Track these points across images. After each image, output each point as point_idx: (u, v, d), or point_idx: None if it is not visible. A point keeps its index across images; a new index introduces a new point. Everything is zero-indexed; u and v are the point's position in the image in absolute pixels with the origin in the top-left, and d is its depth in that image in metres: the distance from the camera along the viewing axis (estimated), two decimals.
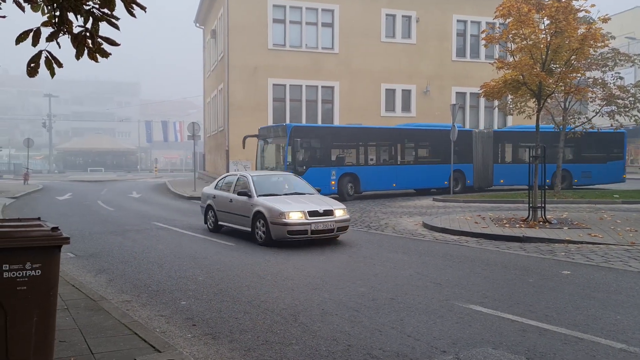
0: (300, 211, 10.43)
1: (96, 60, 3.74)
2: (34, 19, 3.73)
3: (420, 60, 30.08)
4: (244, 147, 22.31)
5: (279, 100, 28.00)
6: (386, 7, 29.44)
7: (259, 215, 10.81)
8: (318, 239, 10.76)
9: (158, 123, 67.90)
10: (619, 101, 21.08)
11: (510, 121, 30.57)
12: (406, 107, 30.19)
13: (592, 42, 13.23)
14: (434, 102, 30.05)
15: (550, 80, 13.42)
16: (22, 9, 3.95)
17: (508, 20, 13.52)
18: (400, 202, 20.69)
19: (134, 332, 5.15)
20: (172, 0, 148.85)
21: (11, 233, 3.70)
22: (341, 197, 19.87)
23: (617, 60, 21.71)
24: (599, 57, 21.23)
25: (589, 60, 19.00)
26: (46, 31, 3.63)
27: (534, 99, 14.52)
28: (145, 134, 70.01)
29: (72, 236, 4.70)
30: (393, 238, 12.00)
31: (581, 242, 10.63)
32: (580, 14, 13.98)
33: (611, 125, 22.14)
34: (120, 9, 3.66)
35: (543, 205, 13.07)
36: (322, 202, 11.13)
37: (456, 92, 30.94)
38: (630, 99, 21.02)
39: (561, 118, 21.81)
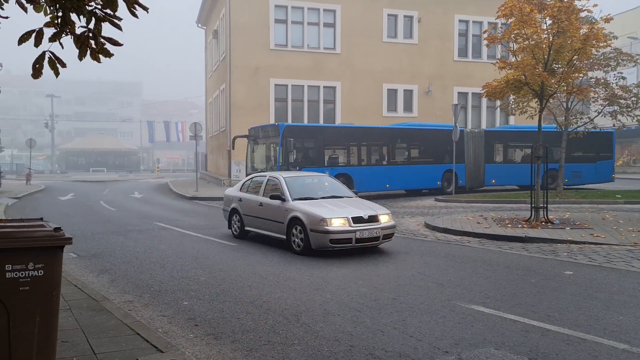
0: (343, 217, 9.44)
1: (99, 61, 3.75)
2: (37, 19, 3.73)
3: (422, 60, 30.06)
4: (233, 148, 22.19)
5: (280, 101, 28.01)
6: (388, 7, 29.43)
7: (295, 221, 9.81)
8: (362, 247, 9.79)
9: (160, 123, 67.98)
10: (621, 101, 21.04)
11: (513, 121, 30.54)
12: (408, 107, 30.17)
13: (594, 42, 13.21)
14: (435, 102, 30.03)
15: (553, 81, 13.41)
16: (25, 9, 3.96)
17: (510, 20, 13.50)
18: (402, 202, 20.68)
19: (136, 333, 5.15)
20: (173, 0, 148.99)
21: (14, 233, 3.71)
22: None
23: (620, 60, 21.67)
24: (601, 57, 21.19)
25: (591, 60, 18.95)
26: (49, 32, 3.64)
27: (536, 99, 14.52)
28: (147, 134, 70.10)
29: (75, 236, 4.71)
30: (395, 238, 11.95)
31: (583, 243, 10.61)
32: (583, 14, 13.96)
33: (613, 125, 22.10)
34: (122, 10, 3.66)
35: (545, 205, 13.06)
36: (365, 207, 10.13)
37: (458, 92, 30.92)
38: (633, 99, 20.98)
39: (563, 118, 21.78)
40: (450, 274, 8.07)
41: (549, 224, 12.62)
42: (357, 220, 9.51)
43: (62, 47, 3.75)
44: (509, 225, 12.63)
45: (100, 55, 3.76)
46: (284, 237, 10.20)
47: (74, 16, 3.62)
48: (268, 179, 11.37)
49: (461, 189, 23.42)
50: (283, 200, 10.34)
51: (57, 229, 3.86)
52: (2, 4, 4.28)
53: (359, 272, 8.26)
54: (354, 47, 28.72)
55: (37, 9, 4.02)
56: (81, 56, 3.68)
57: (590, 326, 5.50)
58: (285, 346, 4.98)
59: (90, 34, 3.64)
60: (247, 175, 20.90)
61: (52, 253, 3.78)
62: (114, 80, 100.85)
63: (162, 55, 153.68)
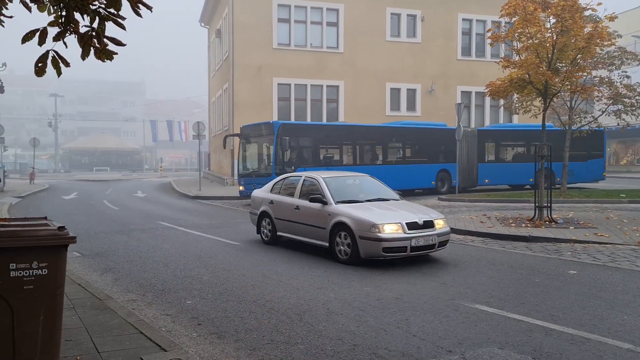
0: (397, 223, 8.53)
1: (102, 60, 3.75)
2: (41, 19, 3.74)
3: (425, 60, 30.03)
4: (224, 147, 21.85)
5: (283, 100, 28.01)
6: (391, 6, 29.40)
7: (340, 227, 8.91)
8: (417, 256, 8.97)
9: (163, 122, 68.08)
10: (625, 100, 20.97)
11: (516, 120, 30.48)
12: (411, 106, 30.14)
13: (598, 40, 13.19)
14: (439, 102, 29.99)
15: (557, 79, 13.38)
16: (29, 9, 3.96)
17: (514, 19, 13.48)
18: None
19: (139, 331, 5.16)
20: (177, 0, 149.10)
21: (18, 232, 3.71)
22: None
23: (624, 59, 21.62)
24: (606, 56, 21.14)
25: (595, 59, 18.90)
26: (52, 31, 3.65)
27: (540, 98, 14.48)
28: (150, 134, 70.20)
29: (78, 235, 4.72)
30: None
31: (587, 242, 10.58)
32: (587, 13, 13.93)
33: (617, 125, 22.03)
34: (126, 9, 3.67)
35: (549, 204, 13.03)
36: (417, 211, 9.30)
37: (461, 91, 30.88)
38: (637, 97, 20.91)
39: (567, 117, 21.73)
40: (453, 273, 8.06)
41: (552, 223, 12.59)
42: (412, 226, 8.61)
43: (66, 46, 3.75)
44: (513, 225, 12.61)
45: (104, 55, 3.76)
46: (326, 244, 9.23)
47: (77, 15, 3.62)
48: (304, 180, 10.40)
49: (454, 189, 23.08)
50: (324, 203, 9.38)
51: (61, 228, 3.86)
52: (6, 3, 4.29)
53: (362, 271, 8.26)
54: (357, 46, 28.70)
55: (41, 8, 4.02)
56: (85, 55, 3.68)
57: (595, 326, 5.49)
58: (289, 345, 4.98)
59: (94, 34, 3.64)
60: (238, 175, 20.74)
61: (56, 252, 3.79)
62: (117, 79, 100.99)
63: (165, 55, 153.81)
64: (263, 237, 11.14)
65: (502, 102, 26.23)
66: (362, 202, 9.59)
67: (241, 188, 20.04)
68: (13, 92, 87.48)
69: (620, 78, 21.32)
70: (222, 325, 5.62)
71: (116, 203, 21.50)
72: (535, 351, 4.79)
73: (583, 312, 5.96)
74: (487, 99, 29.85)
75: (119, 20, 3.66)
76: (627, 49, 22.23)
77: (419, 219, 8.77)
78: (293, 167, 18.78)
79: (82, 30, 3.65)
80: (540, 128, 25.33)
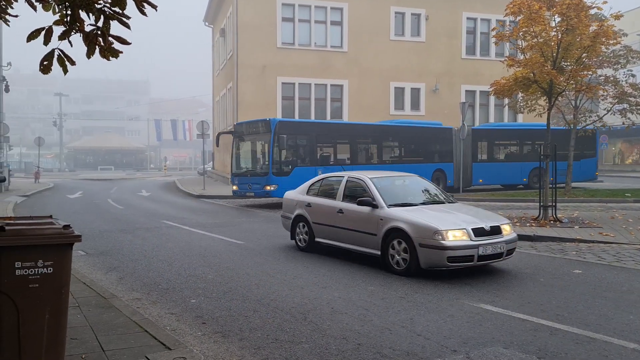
0: (462, 229, 7.64)
1: (107, 59, 3.76)
2: (45, 18, 3.75)
3: (429, 58, 29.96)
4: (217, 145, 21.43)
5: (287, 99, 28.01)
6: (395, 5, 29.34)
7: (395, 233, 8.00)
8: (483, 266, 8.16)
9: (167, 122, 68.18)
10: (630, 99, 20.89)
11: (521, 119, 30.40)
12: (415, 105, 30.09)
13: (603, 39, 13.12)
14: (443, 100, 29.92)
15: (561, 78, 13.33)
16: (34, 8, 3.97)
17: (518, 18, 13.43)
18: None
19: (144, 330, 5.17)
20: None
21: (23, 231, 3.72)
22: None
23: (629, 58, 21.53)
24: (611, 55, 21.07)
25: (600, 58, 18.84)
26: (58, 30, 3.66)
27: (544, 97, 14.43)
28: (154, 133, 70.33)
29: (83, 234, 4.73)
30: None
31: (592, 241, 10.55)
32: (592, 11, 13.87)
33: (623, 124, 21.95)
34: (131, 8, 3.67)
35: (554, 204, 12.99)
36: (480, 215, 8.51)
37: (466, 90, 30.79)
38: None
39: (572, 116, 21.65)
40: (458, 272, 8.04)
41: (557, 222, 12.55)
42: (479, 232, 7.72)
43: (71, 45, 3.76)
44: (518, 224, 12.57)
45: (109, 54, 3.77)
46: (377, 252, 8.31)
47: (83, 14, 3.63)
48: (347, 180, 9.48)
49: (449, 189, 22.50)
50: (374, 206, 8.47)
51: (66, 227, 3.87)
52: (12, 2, 4.30)
53: (366, 270, 8.25)
54: (361, 45, 28.66)
55: (46, 7, 4.03)
56: (90, 54, 3.69)
57: (600, 325, 5.47)
58: (293, 344, 4.98)
59: (99, 32, 3.64)
60: (231, 174, 20.14)
61: (61, 250, 3.80)
62: (121, 78, 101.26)
63: (169, 54, 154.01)
64: (298, 243, 10.16)
65: (506, 101, 26.15)
66: (416, 205, 8.70)
67: (235, 188, 19.64)
68: (18, 91, 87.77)
69: (625, 77, 21.25)
70: (226, 324, 5.63)
71: (121, 202, 21.55)
72: (540, 351, 4.77)
73: (588, 312, 5.94)
74: (492, 98, 29.73)
75: (124, 19, 3.67)
76: (632, 48, 22.14)
77: (485, 224, 7.91)
78: (290, 167, 18.51)
79: (88, 29, 3.66)
80: (535, 127, 25.27)
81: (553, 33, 13.24)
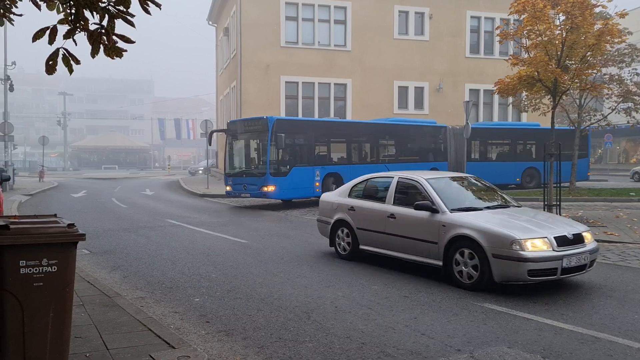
0: (543, 238, 6.73)
1: (112, 58, 3.76)
2: (50, 17, 3.75)
3: (433, 57, 29.92)
4: (210, 144, 20.77)
5: (291, 98, 28.02)
6: (399, 4, 29.31)
7: (462, 242, 7.08)
8: (564, 279, 7.26)
9: (171, 121, 68.32)
10: (635, 98, 20.82)
11: (525, 118, 30.33)
12: (419, 104, 30.06)
13: (608, 37, 13.10)
14: (447, 99, 29.89)
15: (566, 77, 13.30)
16: (38, 7, 3.98)
17: (523, 16, 13.41)
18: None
19: (148, 329, 5.18)
20: None
21: (28, 229, 3.73)
22: None
23: (634, 56, 21.44)
24: (616, 53, 20.98)
25: (605, 57, 18.77)
26: (62, 29, 3.66)
27: (549, 96, 14.40)
28: (158, 132, 70.45)
29: (87, 233, 4.73)
30: None
31: (597, 241, 10.47)
32: (597, 10, 13.83)
33: (627, 122, 21.87)
34: (135, 7, 3.67)
35: (558, 203, 12.94)
36: (556, 221, 7.66)
37: (470, 89, 30.75)
38: None
39: (576, 115, 21.59)
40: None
41: None
42: (562, 241, 6.79)
43: (76, 44, 3.76)
44: None
45: (113, 53, 3.77)
46: (439, 263, 7.40)
47: (87, 13, 3.63)
48: (398, 182, 8.54)
49: None
50: (434, 211, 7.57)
51: (71, 225, 3.88)
52: (16, 2, 4.31)
53: (369, 269, 8.25)
54: (365, 44, 28.64)
55: (51, 6, 4.03)
56: (94, 53, 3.69)
57: (605, 325, 5.45)
58: (297, 343, 4.98)
59: (103, 31, 3.65)
60: (225, 175, 19.40)
61: (65, 249, 3.80)
62: (125, 78, 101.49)
63: (173, 53, 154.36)
64: (339, 250, 9.25)
65: (510, 100, 26.09)
66: (480, 209, 7.84)
67: (228, 188, 19.03)
68: (23, 90, 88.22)
69: (630, 75, 21.16)
70: (230, 322, 5.63)
71: (124, 201, 21.59)
72: (545, 350, 4.76)
73: (593, 312, 5.92)
74: (496, 97, 29.69)
75: (128, 17, 3.67)
76: (637, 46, 22.04)
77: (568, 232, 6.98)
78: (288, 167, 17.94)
79: (92, 27, 3.66)
80: (530, 126, 25.09)
81: (557, 31, 13.21)
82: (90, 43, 3.64)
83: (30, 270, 3.67)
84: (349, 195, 9.41)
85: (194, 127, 65.05)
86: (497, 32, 15.24)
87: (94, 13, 3.62)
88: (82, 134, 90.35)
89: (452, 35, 30.26)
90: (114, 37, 3.66)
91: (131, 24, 3.70)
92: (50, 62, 3.66)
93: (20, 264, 3.65)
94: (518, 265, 6.54)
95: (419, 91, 30.15)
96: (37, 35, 3.61)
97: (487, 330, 5.32)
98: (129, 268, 8.58)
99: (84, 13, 3.59)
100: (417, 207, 7.77)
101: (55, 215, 4.42)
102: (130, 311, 5.78)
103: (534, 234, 6.79)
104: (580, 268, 6.88)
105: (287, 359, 4.62)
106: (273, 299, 6.51)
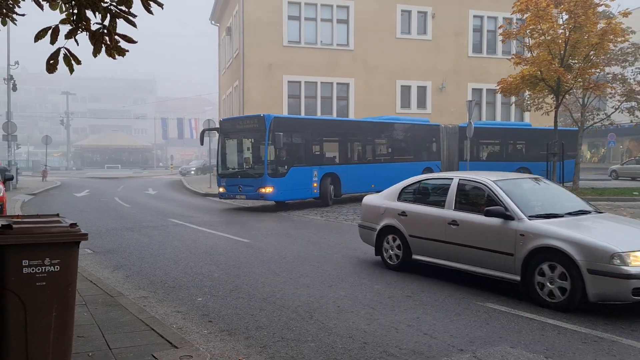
0: None
1: (114, 57, 3.76)
2: (52, 16, 3.75)
3: (436, 57, 29.88)
4: (202, 144, 19.93)
5: (294, 97, 28.02)
6: (401, 3, 29.27)
7: (546, 254, 6.19)
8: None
9: (174, 120, 68.42)
10: (639, 97, 20.76)
11: (528, 118, 30.27)
12: (422, 103, 30.03)
13: (611, 36, 13.09)
14: (449, 99, 29.84)
15: (569, 76, 13.29)
16: (41, 7, 3.98)
17: (526, 16, 13.39)
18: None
19: (151, 328, 5.18)
20: None
21: (31, 229, 3.74)
22: (324, 202, 17.99)
23: (638, 55, 21.39)
24: (619, 52, 20.93)
25: (608, 56, 18.73)
26: (64, 29, 3.66)
27: (552, 95, 14.38)
28: (161, 131, 70.55)
29: (90, 232, 4.74)
30: None
31: None
32: (600, 9, 13.81)
33: (631, 122, 21.82)
34: (137, 6, 3.67)
35: None
36: None
37: (472, 89, 30.69)
38: None
39: (579, 114, 21.55)
40: (461, 271, 8.00)
41: None
42: None
43: (78, 44, 3.76)
44: None
45: (115, 52, 3.77)
46: (516, 277, 6.48)
47: (89, 13, 3.64)
48: (460, 183, 7.64)
49: None
50: (509, 218, 6.66)
51: (73, 225, 3.88)
52: (19, 2, 4.32)
53: (372, 269, 8.24)
54: (368, 43, 28.62)
55: (53, 6, 4.04)
56: (96, 53, 3.70)
57: (607, 325, 5.44)
58: (299, 343, 4.98)
59: (105, 31, 3.65)
60: (218, 175, 18.52)
61: (68, 248, 3.81)
62: (128, 77, 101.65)
63: (175, 52, 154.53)
64: (387, 260, 8.32)
65: (513, 99, 26.04)
66: (562, 216, 6.90)
67: (221, 190, 18.17)
68: (26, 89, 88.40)
69: (633, 75, 21.10)
70: (232, 322, 5.63)
71: (127, 200, 21.63)
72: (548, 350, 4.75)
73: (595, 311, 5.89)
74: (499, 96, 29.62)
75: (130, 17, 3.67)
76: None
77: None
78: (286, 167, 17.22)
79: (94, 27, 3.67)
80: (524, 126, 24.91)
81: (561, 31, 13.20)
82: (92, 43, 3.64)
83: (32, 269, 3.68)
84: (399, 199, 8.45)
85: (197, 127, 65.09)
86: (500, 31, 15.21)
87: (96, 13, 3.62)
88: (85, 134, 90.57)
89: (455, 35, 30.21)
90: (116, 37, 3.66)
91: (133, 24, 3.70)
92: (51, 62, 3.66)
93: (23, 264, 3.65)
94: (620, 282, 5.62)
95: (422, 90, 30.11)
96: (40, 35, 3.61)
97: (489, 330, 5.31)
98: (131, 267, 8.59)
99: (86, 13, 3.59)
100: (489, 214, 6.83)
101: (57, 215, 4.43)
102: (133, 310, 5.79)
103: (637, 246, 5.87)
104: None
105: (289, 358, 4.62)
106: (275, 299, 6.51)
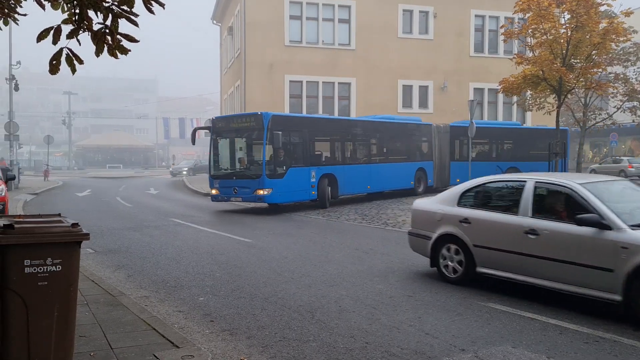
0: None
1: (116, 57, 3.76)
2: (54, 16, 3.76)
3: (437, 56, 29.85)
4: (193, 143, 18.93)
5: (295, 97, 28.02)
6: (403, 3, 29.26)
7: None
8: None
9: (175, 120, 68.45)
10: None
11: (530, 117, 30.23)
12: (423, 103, 30.01)
13: (613, 36, 13.07)
14: (451, 98, 29.81)
15: (571, 76, 13.28)
16: (43, 7, 3.98)
17: (528, 15, 13.38)
18: (417, 199, 20.39)
19: (152, 328, 5.18)
20: None
21: (32, 229, 3.74)
22: (321, 204, 17.27)
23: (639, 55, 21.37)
24: (621, 52, 20.92)
25: (610, 55, 18.72)
26: (66, 29, 3.66)
27: (554, 95, 14.37)
28: (162, 131, 70.61)
29: (92, 232, 4.74)
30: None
31: None
32: (602, 8, 13.79)
33: (633, 121, 21.80)
34: (138, 6, 3.67)
35: None
36: None
37: (474, 88, 30.66)
38: None
39: (581, 114, 21.52)
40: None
41: None
42: None
43: (80, 44, 3.76)
44: None
45: (117, 52, 3.77)
46: (616, 297, 5.59)
47: (91, 13, 3.64)
48: (537, 187, 6.71)
49: (430, 189, 21.82)
50: (604, 227, 5.77)
51: (75, 225, 3.88)
52: (21, 1, 4.32)
53: (374, 269, 8.23)
54: (369, 43, 28.61)
55: (55, 6, 4.04)
56: (98, 52, 3.69)
57: (609, 325, 5.42)
58: (301, 342, 4.98)
59: (107, 31, 3.65)
60: (210, 177, 17.61)
61: (70, 248, 3.81)
62: (129, 77, 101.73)
63: (177, 52, 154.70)
64: (445, 272, 7.41)
65: (515, 99, 26.00)
66: None
67: (214, 192, 17.19)
68: (28, 89, 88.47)
69: (635, 74, 21.08)
70: (234, 322, 5.63)
71: (129, 200, 21.65)
72: (550, 350, 4.74)
73: (597, 312, 5.89)
74: (500, 96, 29.60)
75: (132, 17, 3.67)
76: None
77: None
78: (284, 168, 16.31)
79: (96, 27, 3.66)
80: (514, 125, 24.82)
81: (563, 30, 13.18)
82: (94, 43, 3.65)
83: (34, 269, 3.68)
84: (459, 204, 7.48)
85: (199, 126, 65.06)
86: (502, 30, 15.19)
87: (98, 13, 3.62)
88: (87, 133, 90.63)
89: (457, 34, 30.18)
90: (118, 37, 3.66)
91: (135, 23, 3.70)
92: (54, 62, 3.66)
93: (25, 263, 3.66)
94: None
95: (424, 90, 30.09)
96: (42, 35, 3.61)
97: (491, 330, 5.31)
98: (133, 267, 8.59)
99: (87, 13, 3.59)
100: (581, 222, 5.90)
101: (59, 215, 4.43)
102: (135, 310, 5.79)
103: None
104: None
105: (291, 358, 4.61)
106: (277, 298, 6.50)
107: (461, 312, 5.91)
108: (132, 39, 3.73)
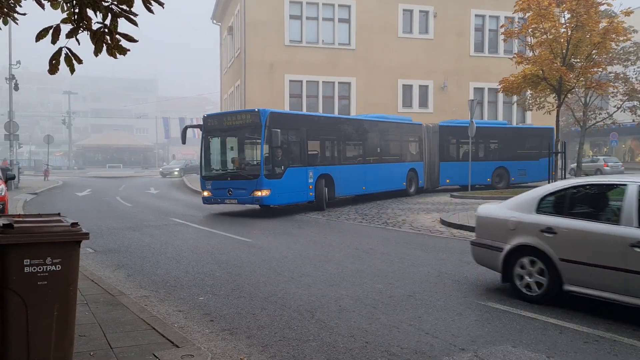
0: None
1: (115, 57, 3.76)
2: (54, 16, 3.76)
3: (437, 56, 29.85)
4: (184, 142, 18.27)
5: (295, 97, 28.02)
6: (403, 3, 29.26)
7: None
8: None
9: (175, 119, 68.33)
10: None
11: (530, 117, 30.23)
12: (423, 103, 30.01)
13: (614, 35, 13.08)
14: (451, 98, 29.81)
15: (571, 75, 13.28)
16: (42, 6, 3.98)
17: (528, 15, 13.38)
18: (418, 198, 20.54)
19: (152, 327, 5.18)
20: None
21: (32, 228, 3.74)
22: (319, 206, 16.65)
23: None
24: (621, 51, 20.91)
25: (610, 55, 18.70)
26: (65, 28, 3.66)
27: (554, 95, 14.36)
28: (162, 131, 70.60)
29: (91, 232, 4.74)
30: (410, 235, 11.94)
31: None
32: (602, 8, 13.78)
33: (633, 121, 21.79)
34: (138, 5, 3.67)
35: None
36: None
37: (474, 88, 30.66)
38: None
39: (581, 114, 21.52)
40: (466, 270, 8.01)
41: None
42: None
43: (79, 44, 3.76)
44: None
45: (116, 52, 3.77)
46: None
47: (90, 12, 3.63)
48: None
49: (420, 190, 21.98)
50: None
51: (75, 224, 3.88)
52: (20, 1, 4.32)
53: (374, 268, 8.23)
54: (369, 42, 28.61)
55: (54, 5, 4.04)
56: (97, 52, 3.69)
57: (609, 324, 5.42)
58: (301, 342, 4.98)
59: (106, 30, 3.65)
60: (202, 177, 16.64)
61: (69, 248, 3.81)
62: (129, 77, 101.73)
63: (177, 52, 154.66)
64: (522, 289, 6.40)
65: (515, 98, 25.99)
66: None
67: (206, 194, 16.17)
68: (28, 89, 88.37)
69: (635, 74, 21.08)
70: (234, 321, 5.63)
71: (129, 200, 21.65)
72: (550, 349, 4.74)
73: (597, 311, 5.89)
74: (500, 96, 29.60)
75: (131, 16, 3.67)
76: None
77: None
78: (283, 167, 15.54)
79: (95, 27, 3.66)
80: (502, 125, 24.76)
81: (563, 30, 13.18)
82: (93, 42, 3.64)
83: (34, 269, 3.68)
84: (538, 210, 6.49)
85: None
86: (502, 30, 15.18)
87: (97, 12, 3.62)
88: (87, 133, 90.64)
89: (457, 34, 30.18)
90: (117, 36, 3.66)
91: (134, 23, 3.70)
92: (54, 62, 3.66)
93: (25, 263, 3.66)
94: None
95: (424, 90, 30.09)
96: (41, 35, 3.61)
97: (491, 329, 5.30)
98: (133, 267, 8.59)
99: (87, 12, 3.59)
100: None
101: (59, 214, 4.43)
102: (134, 310, 5.79)
103: None
104: None
105: (291, 358, 4.61)
106: (277, 298, 6.50)
107: (461, 311, 5.91)
108: (131, 39, 3.73)
